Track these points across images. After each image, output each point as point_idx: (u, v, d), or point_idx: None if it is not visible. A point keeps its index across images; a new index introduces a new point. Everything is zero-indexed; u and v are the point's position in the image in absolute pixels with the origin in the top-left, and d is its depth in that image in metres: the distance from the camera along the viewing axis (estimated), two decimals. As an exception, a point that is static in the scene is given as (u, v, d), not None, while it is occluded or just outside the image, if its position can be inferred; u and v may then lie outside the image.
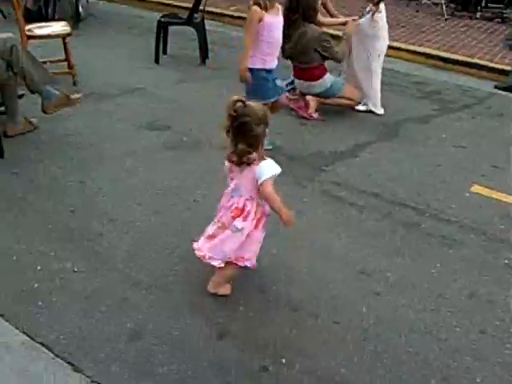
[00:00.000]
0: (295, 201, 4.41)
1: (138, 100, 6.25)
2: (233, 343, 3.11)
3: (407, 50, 8.43)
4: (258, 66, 4.89)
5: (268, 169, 3.25)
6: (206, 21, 7.84)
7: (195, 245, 3.42)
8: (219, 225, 3.35)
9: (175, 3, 10.24)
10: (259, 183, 3.23)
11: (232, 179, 3.37)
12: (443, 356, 3.15)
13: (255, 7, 4.74)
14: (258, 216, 3.34)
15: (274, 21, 4.83)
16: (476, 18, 10.32)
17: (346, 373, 2.98)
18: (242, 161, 3.25)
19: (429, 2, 11.20)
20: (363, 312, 3.40)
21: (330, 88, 5.99)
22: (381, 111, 6.21)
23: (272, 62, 4.94)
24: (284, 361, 3.03)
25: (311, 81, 5.92)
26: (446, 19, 10.22)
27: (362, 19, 6.06)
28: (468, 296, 3.62)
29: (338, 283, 3.63)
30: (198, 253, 3.38)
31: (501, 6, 10.87)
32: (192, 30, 7.58)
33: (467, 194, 4.76)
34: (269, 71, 4.92)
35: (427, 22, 10.07)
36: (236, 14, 9.83)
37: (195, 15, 7.59)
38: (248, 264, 3.41)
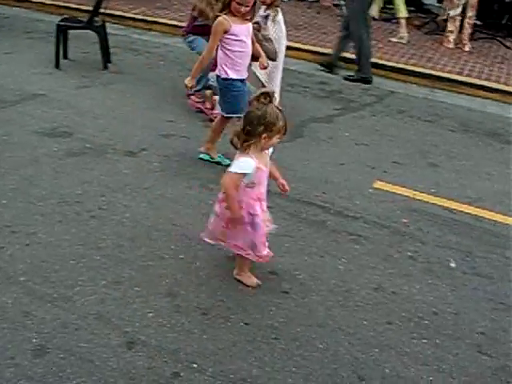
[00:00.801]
0: (202, 204, 4.40)
1: (38, 106, 6.05)
2: (143, 351, 3.06)
3: (309, 51, 8.58)
4: (233, 76, 4.77)
5: (239, 164, 3.38)
6: (107, 24, 7.69)
7: None
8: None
9: (75, 6, 10.00)
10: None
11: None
12: (353, 349, 3.21)
13: (221, 18, 4.61)
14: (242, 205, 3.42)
15: (242, 28, 4.70)
16: (375, 19, 10.60)
17: (258, 373, 2.99)
18: (231, 143, 3.43)
19: (329, 4, 11.45)
20: (273, 311, 3.43)
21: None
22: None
23: (244, 72, 4.85)
24: (196, 366, 3.00)
25: None
26: (346, 20, 10.48)
27: (267, 24, 6.11)
28: (374, 289, 3.72)
29: (248, 284, 3.64)
30: None
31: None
32: (93, 33, 7.43)
33: (370, 191, 4.90)
34: (242, 81, 4.83)
35: (328, 23, 10.29)
36: (138, 17, 9.71)
37: (96, 18, 7.44)
38: (242, 253, 3.54)
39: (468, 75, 8.18)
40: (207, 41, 5.49)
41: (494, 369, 3.24)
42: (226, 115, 4.93)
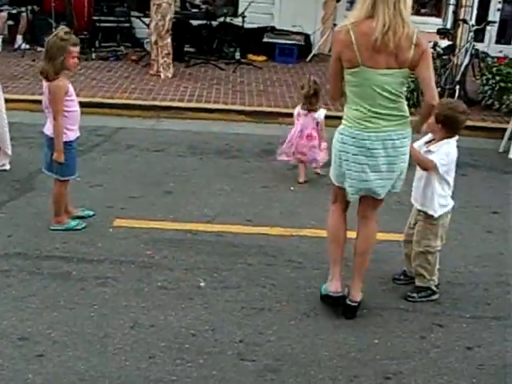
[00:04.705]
0: None
1: None
2: None
3: (29, 101, 8.29)
4: (72, 137, 4.69)
5: (323, 112, 6.08)
6: None
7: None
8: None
9: None
10: (320, 119, 6.02)
11: (299, 121, 6.05)
12: (119, 395, 3.17)
13: (58, 81, 4.45)
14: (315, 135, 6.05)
15: (71, 86, 4.62)
16: (92, 59, 10.60)
17: None
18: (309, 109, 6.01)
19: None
20: (30, 379, 3.25)
21: None
22: (8, 166, 6.04)
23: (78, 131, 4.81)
24: None
25: None
26: (63, 64, 10.32)
27: None
28: (131, 327, 3.71)
29: (-4, 358, 3.40)
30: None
31: (114, 44, 11.38)
32: None
33: (111, 230, 4.86)
34: (76, 140, 4.78)
35: (45, 69, 10.04)
36: None
37: None
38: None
39: (189, 100, 8.55)
40: None
41: (259, 371, 3.42)
42: (63, 179, 4.77)
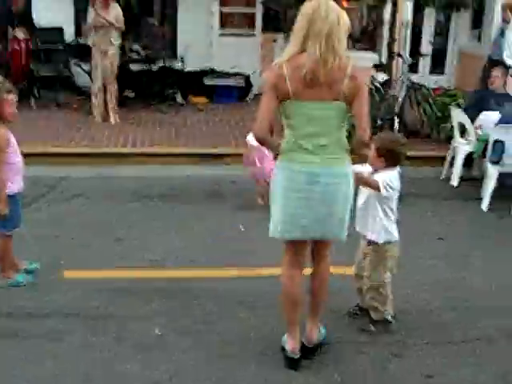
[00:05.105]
0: None
1: None
2: None
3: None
4: (16, 190, 4.54)
5: None
6: None
7: None
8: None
9: None
10: None
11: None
12: None
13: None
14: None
15: (12, 135, 4.48)
16: (33, 108, 10.42)
17: None
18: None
19: None
20: None
21: None
22: None
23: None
24: None
25: None
26: None
27: None
28: (82, 381, 3.59)
29: None
30: None
31: (53, 92, 11.23)
32: None
33: (59, 282, 4.71)
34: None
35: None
36: None
37: None
38: None
39: (133, 146, 8.52)
40: None
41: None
42: (8, 233, 4.62)
